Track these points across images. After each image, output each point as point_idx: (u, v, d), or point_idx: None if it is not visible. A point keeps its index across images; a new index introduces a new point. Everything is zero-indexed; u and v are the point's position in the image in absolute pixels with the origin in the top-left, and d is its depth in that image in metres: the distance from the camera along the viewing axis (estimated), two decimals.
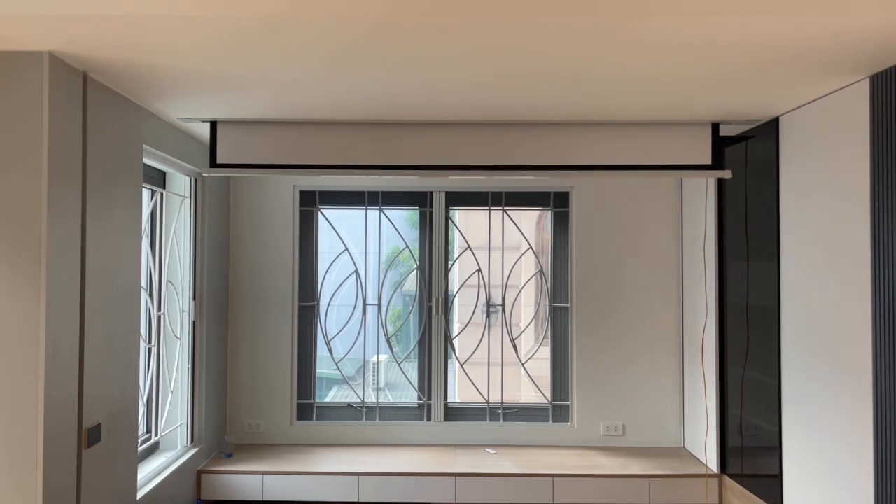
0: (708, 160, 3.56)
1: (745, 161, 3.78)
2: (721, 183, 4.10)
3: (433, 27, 2.20)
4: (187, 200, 4.13)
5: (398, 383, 5.00)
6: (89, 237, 2.75)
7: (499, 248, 4.85)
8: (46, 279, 2.45)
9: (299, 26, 2.20)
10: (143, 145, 3.32)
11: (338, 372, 4.83)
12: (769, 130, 3.52)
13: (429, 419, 4.77)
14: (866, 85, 2.73)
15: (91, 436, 2.78)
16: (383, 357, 4.94)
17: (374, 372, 4.92)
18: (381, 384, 4.96)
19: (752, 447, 3.77)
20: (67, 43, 2.37)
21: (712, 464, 4.14)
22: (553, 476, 4.08)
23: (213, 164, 3.55)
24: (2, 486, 2.44)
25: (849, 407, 2.88)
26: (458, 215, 4.96)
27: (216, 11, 2.08)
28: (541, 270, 4.88)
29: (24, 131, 2.45)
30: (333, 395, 5.02)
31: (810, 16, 2.10)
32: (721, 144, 3.63)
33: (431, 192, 4.80)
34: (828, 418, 3.04)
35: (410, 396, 4.87)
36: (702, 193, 4.27)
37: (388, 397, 4.98)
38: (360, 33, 2.26)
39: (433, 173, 3.58)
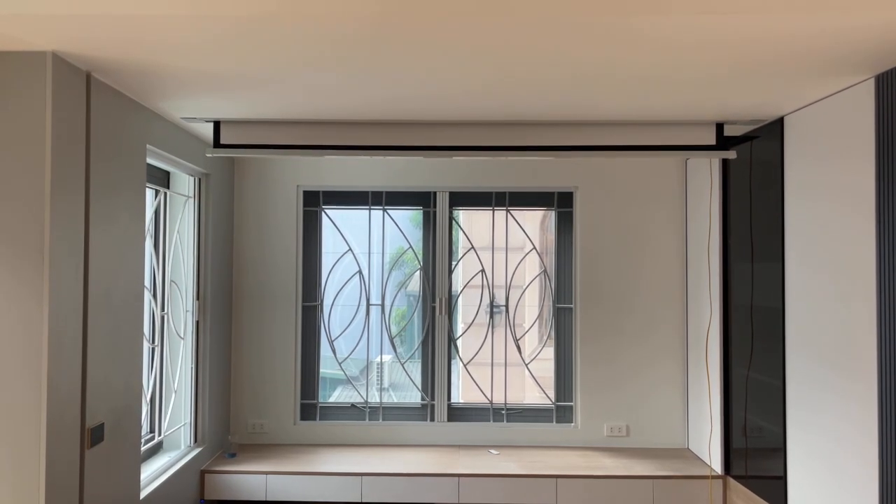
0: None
1: (750, 161, 3.76)
2: (725, 183, 4.09)
3: (436, 26, 2.20)
4: (191, 200, 4.13)
5: (402, 384, 5.00)
6: (92, 237, 2.76)
7: (502, 249, 4.83)
8: (49, 280, 2.45)
9: (299, 24, 2.20)
10: (147, 145, 3.33)
11: (341, 372, 4.82)
12: (773, 130, 3.51)
13: (432, 420, 4.76)
14: (871, 85, 2.72)
15: (94, 435, 2.78)
16: (387, 357, 4.94)
17: (377, 372, 4.92)
18: (385, 384, 4.95)
19: (756, 449, 3.75)
20: (71, 42, 2.38)
21: (716, 465, 4.12)
22: (556, 477, 4.08)
23: (217, 144, 3.58)
24: (5, 486, 2.45)
25: (853, 409, 2.87)
26: (462, 215, 4.95)
27: (217, 11, 2.08)
28: (544, 271, 4.87)
29: (28, 131, 2.45)
30: (337, 396, 5.02)
31: (815, 15, 2.09)
32: (725, 144, 3.62)
33: (435, 193, 4.79)
34: (832, 420, 3.03)
35: (414, 397, 4.87)
36: (706, 193, 4.25)
37: (392, 398, 4.97)
38: (359, 32, 2.26)
39: (438, 154, 3.64)
